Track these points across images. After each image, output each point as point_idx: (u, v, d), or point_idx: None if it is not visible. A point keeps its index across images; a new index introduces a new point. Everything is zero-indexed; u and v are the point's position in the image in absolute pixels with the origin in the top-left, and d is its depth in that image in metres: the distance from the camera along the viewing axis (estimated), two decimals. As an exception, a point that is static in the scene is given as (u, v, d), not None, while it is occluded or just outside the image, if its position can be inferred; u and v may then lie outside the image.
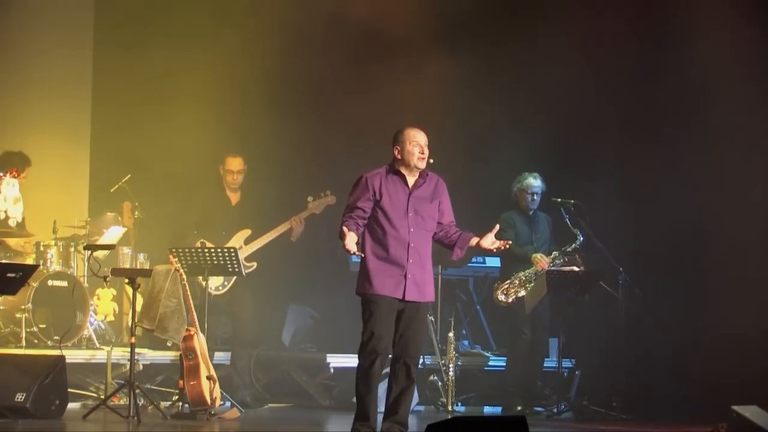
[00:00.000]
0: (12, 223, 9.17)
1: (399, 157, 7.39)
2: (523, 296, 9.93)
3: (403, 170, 7.41)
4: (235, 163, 10.08)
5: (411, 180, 7.42)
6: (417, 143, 7.36)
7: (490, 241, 7.48)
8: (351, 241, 7.18)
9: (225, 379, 9.50)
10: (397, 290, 7.28)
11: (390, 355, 7.41)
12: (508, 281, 9.97)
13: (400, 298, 7.29)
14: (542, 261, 9.88)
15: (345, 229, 7.23)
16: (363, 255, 7.32)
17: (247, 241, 9.95)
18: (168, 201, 10.92)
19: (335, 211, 9.03)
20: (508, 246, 7.57)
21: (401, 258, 7.29)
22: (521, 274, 9.93)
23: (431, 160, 7.41)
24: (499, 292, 10.01)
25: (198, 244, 9.67)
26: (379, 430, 7.31)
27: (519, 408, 9.87)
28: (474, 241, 7.50)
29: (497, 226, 7.61)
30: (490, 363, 10.90)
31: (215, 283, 9.74)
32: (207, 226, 9.96)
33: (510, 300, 9.94)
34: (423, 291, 7.38)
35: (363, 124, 10.78)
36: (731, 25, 9.93)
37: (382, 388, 7.51)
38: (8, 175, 8.90)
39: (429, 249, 7.44)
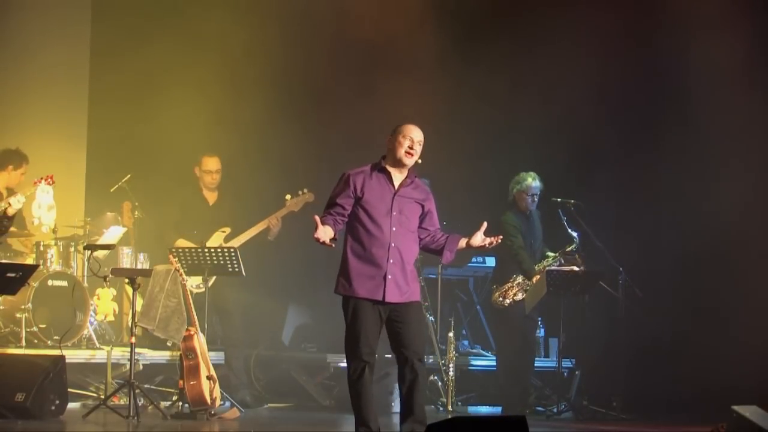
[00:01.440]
0: (45, 230, 9.15)
1: (389, 147, 7.25)
2: (521, 299, 9.92)
3: (390, 166, 7.25)
4: (211, 163, 10.08)
5: (397, 179, 7.26)
6: (409, 138, 7.20)
7: (479, 240, 7.35)
8: (322, 230, 7.04)
9: (221, 380, 9.49)
10: (377, 292, 7.13)
11: (389, 356, 7.34)
12: (508, 284, 9.97)
13: (379, 300, 7.14)
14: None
15: (317, 218, 7.09)
16: (333, 246, 7.15)
17: (227, 240, 9.93)
18: (166, 200, 10.92)
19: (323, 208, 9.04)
20: (499, 241, 7.46)
21: (381, 258, 7.14)
22: (519, 278, 9.94)
23: (419, 160, 7.25)
24: (497, 294, 10.00)
25: (179, 243, 9.69)
26: None
27: (519, 408, 9.87)
28: (463, 242, 7.38)
29: (485, 224, 7.47)
30: (478, 362, 10.92)
31: (195, 281, 9.63)
32: (186, 226, 9.95)
33: (507, 303, 9.93)
34: (405, 292, 7.19)
35: (350, 123, 10.77)
36: (735, 25, 9.92)
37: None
38: (43, 181, 8.87)
39: (413, 251, 7.28)
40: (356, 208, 7.21)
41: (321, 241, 7.06)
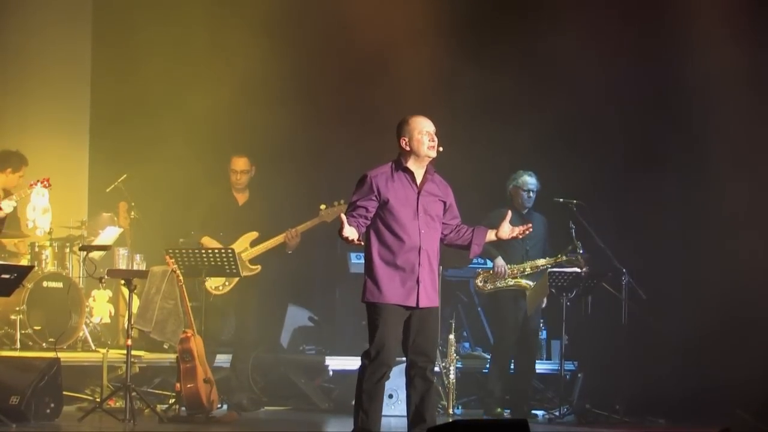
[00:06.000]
0: (39, 233, 9.08)
1: (407, 148, 7.05)
2: (500, 287, 9.93)
3: (411, 164, 7.07)
4: (239, 163, 9.94)
5: (419, 176, 7.08)
6: (426, 132, 7.03)
7: (508, 230, 7.24)
8: (350, 229, 6.85)
9: (224, 382, 9.42)
10: (410, 298, 6.97)
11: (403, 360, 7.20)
12: (491, 271, 9.99)
13: (413, 306, 6.99)
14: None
15: (343, 217, 6.89)
16: (362, 243, 7.02)
17: (253, 244, 9.81)
18: (165, 201, 10.84)
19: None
20: (530, 231, 7.37)
21: (412, 263, 6.98)
22: (514, 267, 9.93)
23: (441, 148, 7.07)
24: (480, 278, 10.04)
25: (204, 241, 9.62)
26: None
27: (521, 411, 9.80)
28: (492, 234, 7.24)
29: (509, 213, 7.39)
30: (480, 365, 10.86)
31: (215, 283, 9.61)
32: (212, 225, 9.83)
33: (488, 288, 9.90)
34: (432, 296, 7.10)
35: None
36: (744, 33, 9.90)
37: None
38: (39, 184, 8.78)
39: (438, 251, 7.15)
40: (381, 211, 7.02)
41: (350, 239, 6.87)
